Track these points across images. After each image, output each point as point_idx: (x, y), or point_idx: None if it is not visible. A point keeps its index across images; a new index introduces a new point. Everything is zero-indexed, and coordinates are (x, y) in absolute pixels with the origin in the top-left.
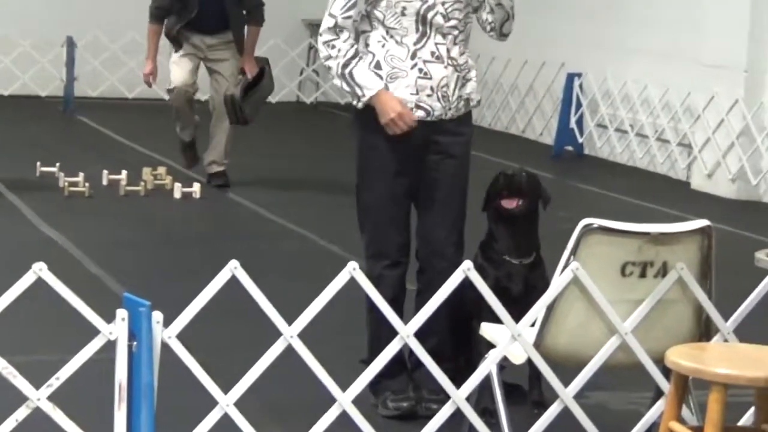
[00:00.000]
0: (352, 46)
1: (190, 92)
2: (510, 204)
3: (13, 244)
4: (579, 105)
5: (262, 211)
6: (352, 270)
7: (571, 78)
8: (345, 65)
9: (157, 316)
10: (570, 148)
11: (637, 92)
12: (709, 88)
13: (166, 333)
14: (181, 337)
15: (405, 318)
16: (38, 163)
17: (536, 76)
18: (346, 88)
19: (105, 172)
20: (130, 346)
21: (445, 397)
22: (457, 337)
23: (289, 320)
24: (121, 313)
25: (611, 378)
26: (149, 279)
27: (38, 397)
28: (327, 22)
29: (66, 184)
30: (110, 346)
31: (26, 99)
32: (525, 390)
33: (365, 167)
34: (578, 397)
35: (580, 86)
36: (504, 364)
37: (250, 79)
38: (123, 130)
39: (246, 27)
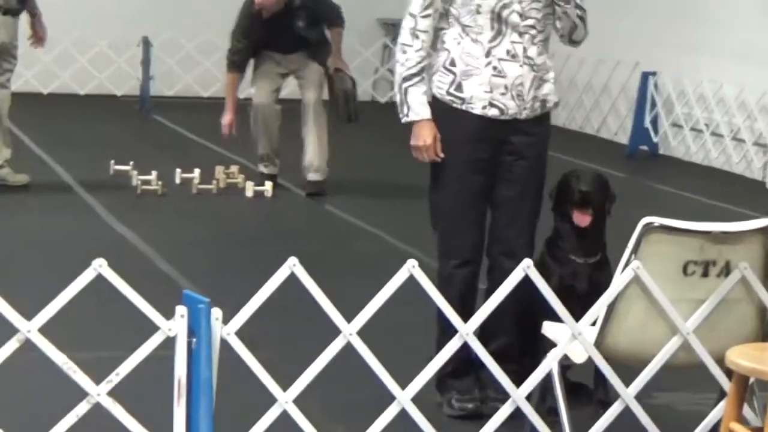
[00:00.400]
0: (421, 59)
1: (271, 110)
2: (584, 222)
3: (85, 241)
4: (654, 104)
5: (334, 210)
6: (411, 268)
7: (646, 77)
8: (406, 79)
9: (216, 312)
10: (645, 147)
11: (712, 91)
12: None
13: (225, 330)
14: (241, 333)
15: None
16: (112, 162)
17: (611, 75)
18: (397, 99)
19: (178, 170)
20: (189, 343)
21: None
22: (524, 337)
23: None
24: (181, 310)
25: (678, 378)
26: (218, 276)
27: (98, 393)
28: (407, 22)
29: (139, 182)
30: (170, 343)
31: (103, 98)
32: (590, 389)
33: (438, 166)
34: (645, 397)
35: (655, 85)
36: (569, 364)
37: (351, 75)
38: (197, 129)
39: (329, 32)
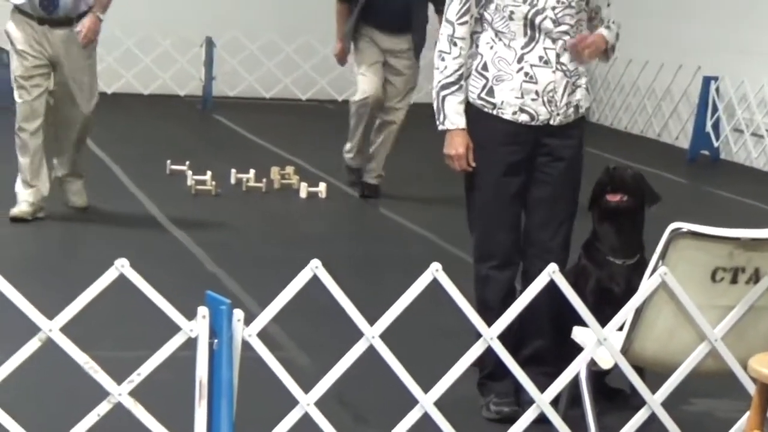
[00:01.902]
0: (459, 66)
1: (379, 102)
2: (614, 198)
3: (136, 242)
4: (715, 109)
5: (386, 212)
6: (435, 271)
7: (707, 81)
8: (444, 87)
9: (238, 314)
10: (705, 152)
11: None
12: None
13: (247, 331)
14: (266, 335)
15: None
16: (168, 161)
17: (673, 80)
18: (434, 106)
19: (233, 170)
20: (210, 344)
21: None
22: (560, 341)
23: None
24: (202, 311)
25: (719, 385)
26: (265, 278)
27: (119, 393)
28: (445, 29)
29: (193, 182)
30: (192, 344)
31: (166, 98)
32: (628, 395)
33: (474, 167)
34: (683, 403)
35: (717, 90)
36: (600, 369)
37: None
38: (257, 130)
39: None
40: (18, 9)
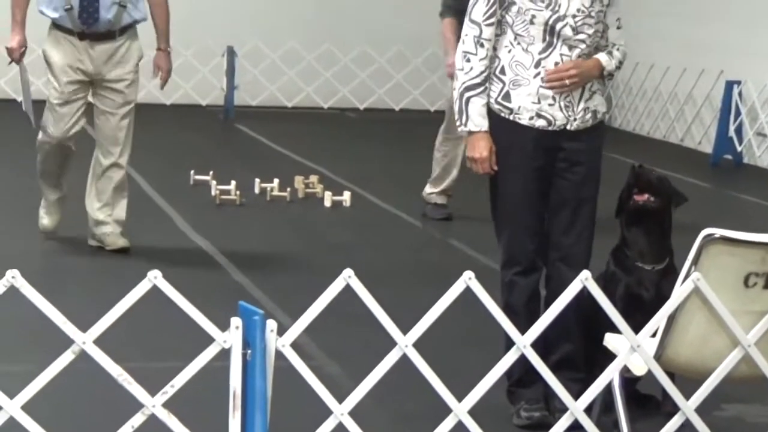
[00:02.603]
0: (485, 68)
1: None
2: (641, 197)
3: (161, 251)
4: (738, 113)
5: (411, 220)
6: (468, 280)
7: (730, 86)
8: (468, 88)
9: (272, 324)
10: (729, 156)
11: None
12: None
13: (281, 341)
14: (298, 344)
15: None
16: (192, 171)
17: (695, 84)
18: (457, 108)
19: (257, 180)
20: (244, 355)
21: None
22: (592, 347)
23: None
24: (236, 322)
25: (749, 390)
26: (291, 287)
27: (153, 404)
28: (471, 30)
29: (217, 192)
30: (225, 354)
31: (188, 108)
32: (659, 401)
33: (495, 175)
34: (714, 409)
35: (739, 94)
36: (633, 376)
37: None
38: (280, 139)
39: None
40: (56, 25)
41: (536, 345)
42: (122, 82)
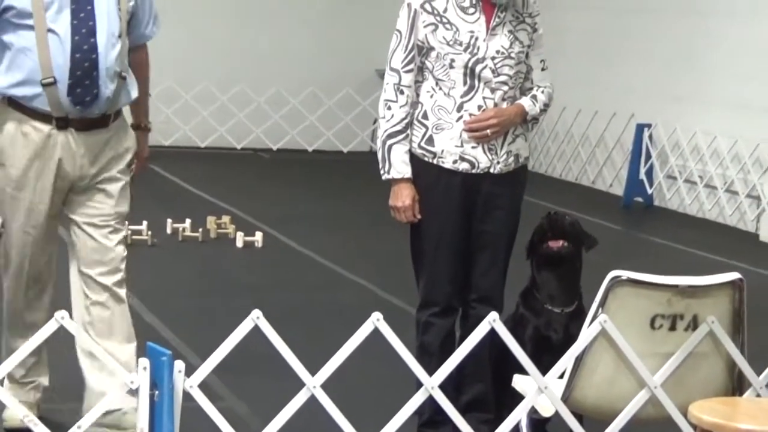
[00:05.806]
0: (406, 114)
1: None
2: (556, 244)
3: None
4: (648, 156)
5: (323, 260)
6: (376, 321)
7: (640, 129)
8: (390, 136)
9: (179, 365)
10: (640, 199)
11: (706, 143)
12: None
13: (188, 382)
14: (206, 384)
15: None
16: None
17: (606, 127)
18: (380, 156)
19: (169, 220)
20: (152, 395)
21: None
22: (500, 388)
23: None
24: (143, 362)
25: (657, 431)
26: (201, 327)
27: None
28: (391, 78)
29: (129, 232)
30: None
31: None
32: None
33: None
34: None
35: (650, 137)
36: (544, 417)
37: None
38: (193, 179)
39: None
40: (18, 106)
41: (447, 385)
42: (115, 182)
